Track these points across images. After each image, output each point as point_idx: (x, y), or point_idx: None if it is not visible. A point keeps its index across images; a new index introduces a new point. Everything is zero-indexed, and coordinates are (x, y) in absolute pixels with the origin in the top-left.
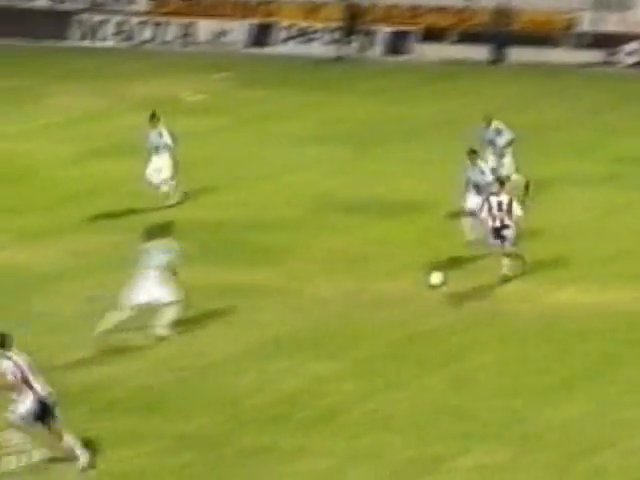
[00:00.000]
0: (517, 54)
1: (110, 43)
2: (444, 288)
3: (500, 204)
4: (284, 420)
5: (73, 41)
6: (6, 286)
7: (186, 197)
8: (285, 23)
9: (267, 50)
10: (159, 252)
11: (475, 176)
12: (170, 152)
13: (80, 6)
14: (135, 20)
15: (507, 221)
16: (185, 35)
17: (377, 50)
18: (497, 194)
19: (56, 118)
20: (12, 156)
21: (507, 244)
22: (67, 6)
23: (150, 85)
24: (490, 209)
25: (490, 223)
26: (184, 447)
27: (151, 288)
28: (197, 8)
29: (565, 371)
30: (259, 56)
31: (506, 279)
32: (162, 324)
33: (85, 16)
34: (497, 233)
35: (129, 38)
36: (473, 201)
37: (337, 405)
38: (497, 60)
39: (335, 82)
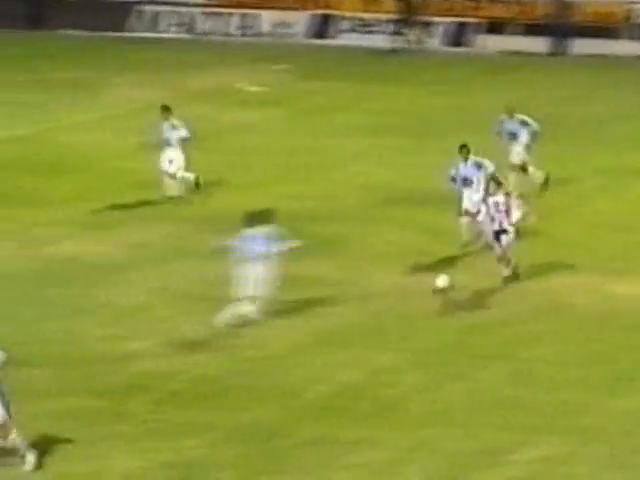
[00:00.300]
0: (578, 46)
1: (171, 34)
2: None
3: (497, 204)
4: (344, 411)
5: (134, 32)
6: (69, 276)
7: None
8: (345, 15)
9: (327, 41)
10: (261, 240)
11: (466, 172)
12: (182, 144)
13: None
14: (196, 11)
15: (505, 224)
16: (246, 26)
17: (438, 42)
18: (494, 194)
19: (117, 109)
20: (74, 147)
21: (501, 248)
22: None
23: (211, 76)
24: (488, 210)
25: (489, 225)
26: (244, 438)
27: (252, 278)
28: None
29: (625, 363)
30: (319, 47)
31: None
32: (228, 314)
33: (146, 7)
34: (496, 236)
35: (190, 29)
36: (468, 199)
37: (397, 397)
38: (558, 52)
39: (395, 74)
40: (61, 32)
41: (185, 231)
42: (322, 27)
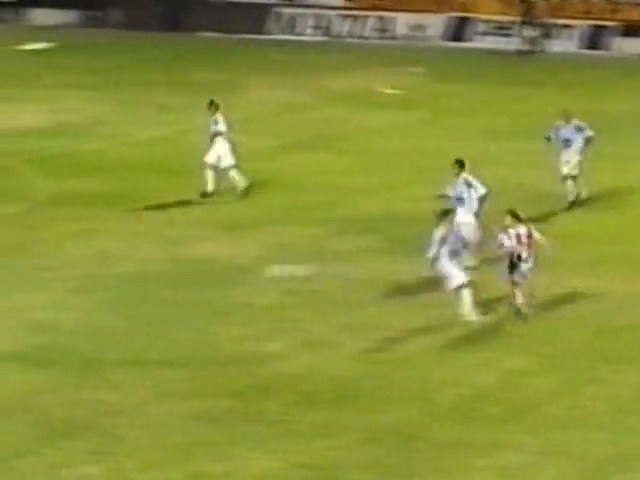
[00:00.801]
0: None
1: (308, 37)
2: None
3: (519, 236)
4: (477, 414)
5: (271, 34)
6: (207, 277)
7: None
8: (481, 17)
9: (463, 44)
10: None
11: (458, 190)
12: (225, 139)
13: (274, 0)
14: (333, 14)
15: (524, 254)
16: (382, 29)
17: (574, 45)
18: (513, 226)
19: (254, 111)
20: None
21: (523, 280)
22: None
23: (347, 78)
24: (509, 241)
25: (509, 256)
26: (378, 440)
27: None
28: (395, 2)
29: None
30: (455, 50)
31: (520, 315)
32: (465, 309)
33: (284, 9)
34: (513, 267)
35: (327, 32)
36: (461, 217)
37: (531, 400)
38: None
39: (530, 76)
40: (198, 34)
41: (321, 233)
42: (458, 30)
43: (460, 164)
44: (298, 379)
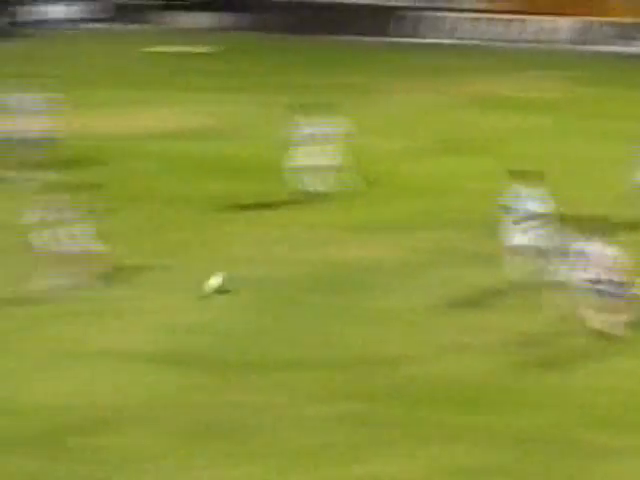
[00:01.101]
0: None
1: (433, 40)
2: None
3: (602, 256)
4: (625, 421)
5: (396, 37)
6: (343, 281)
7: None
8: (611, 20)
9: (593, 47)
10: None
11: (513, 202)
12: (315, 142)
13: (406, 3)
14: (459, 17)
15: (620, 278)
16: (512, 32)
17: None
18: (598, 241)
19: (394, 114)
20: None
21: (624, 303)
22: (392, 2)
23: (476, 82)
24: (578, 258)
25: (580, 274)
26: (517, 445)
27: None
28: (524, 5)
29: None
30: (585, 53)
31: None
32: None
33: (408, 12)
34: (590, 285)
35: (453, 35)
36: (517, 235)
37: None
38: None
39: None
40: (320, 37)
41: (452, 236)
42: (587, 33)
43: (515, 175)
44: (428, 382)
